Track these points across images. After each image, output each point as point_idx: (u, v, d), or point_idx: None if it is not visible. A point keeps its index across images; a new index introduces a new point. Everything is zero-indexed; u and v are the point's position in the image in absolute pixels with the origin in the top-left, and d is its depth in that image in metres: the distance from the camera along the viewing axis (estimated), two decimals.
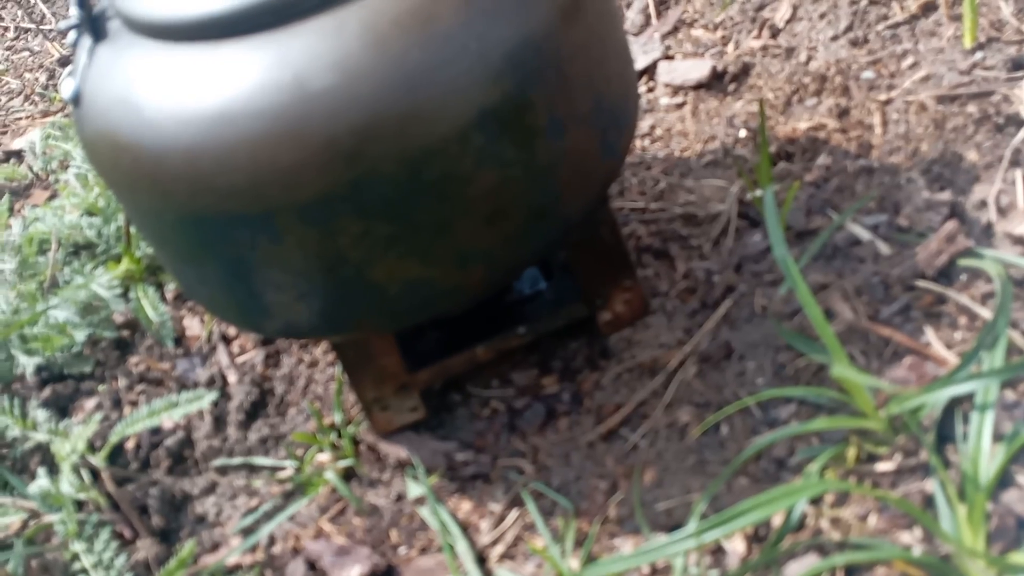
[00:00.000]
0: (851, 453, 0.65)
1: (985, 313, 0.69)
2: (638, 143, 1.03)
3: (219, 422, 0.90)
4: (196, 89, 0.60)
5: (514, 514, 0.76)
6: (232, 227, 0.63)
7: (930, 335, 0.70)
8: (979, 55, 0.88)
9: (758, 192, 0.87)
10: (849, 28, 1.00)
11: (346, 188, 0.60)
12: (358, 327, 0.71)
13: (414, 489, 0.80)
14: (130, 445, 0.89)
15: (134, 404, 0.93)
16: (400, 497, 0.81)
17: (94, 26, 0.66)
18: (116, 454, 0.89)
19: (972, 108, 0.84)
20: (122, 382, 0.95)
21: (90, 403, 0.94)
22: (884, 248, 0.77)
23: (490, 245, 0.67)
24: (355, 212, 0.62)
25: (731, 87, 1.03)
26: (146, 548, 0.82)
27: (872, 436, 0.66)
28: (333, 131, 0.59)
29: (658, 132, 1.03)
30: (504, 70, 0.60)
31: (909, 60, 0.93)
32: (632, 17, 1.19)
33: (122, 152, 0.63)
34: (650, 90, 1.08)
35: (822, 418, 0.68)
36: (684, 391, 0.78)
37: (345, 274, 0.65)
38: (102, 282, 0.92)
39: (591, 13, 0.67)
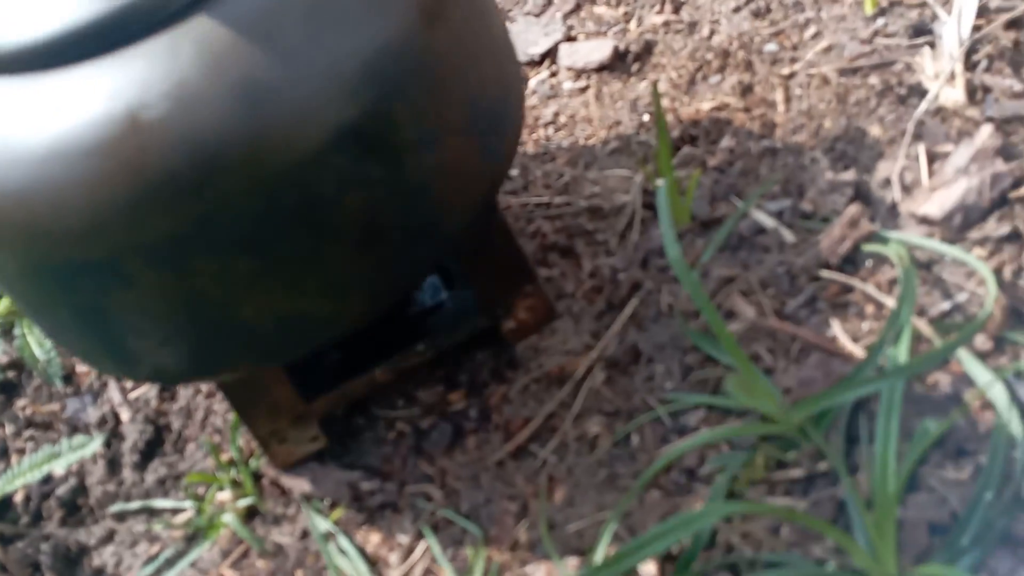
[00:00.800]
0: (760, 461, 0.62)
1: (891, 302, 0.66)
2: (542, 132, 0.98)
3: (113, 465, 0.85)
4: (21, 125, 0.54)
5: (423, 545, 0.72)
6: (78, 274, 0.58)
7: (836, 328, 0.66)
8: (880, 21, 0.84)
9: (660, 181, 0.83)
10: None
11: (194, 225, 0.55)
12: (233, 368, 0.66)
13: (320, 524, 0.75)
14: (18, 498, 0.83)
15: (22, 452, 0.88)
16: (306, 534, 0.76)
17: None
18: (4, 508, 0.83)
19: (874, 79, 0.80)
20: (9, 428, 0.90)
21: None
22: (789, 236, 0.73)
23: (366, 271, 0.62)
24: (209, 249, 0.57)
25: (634, 67, 0.98)
26: None
27: (782, 441, 0.62)
28: (173, 164, 0.53)
29: (562, 119, 0.98)
30: (360, 84, 0.55)
31: (812, 30, 0.89)
32: None
33: None
34: (553, 74, 1.04)
35: (730, 424, 0.65)
36: (593, 400, 0.74)
37: (209, 315, 0.61)
38: None
39: (459, 10, 0.62)
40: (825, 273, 0.69)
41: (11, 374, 0.93)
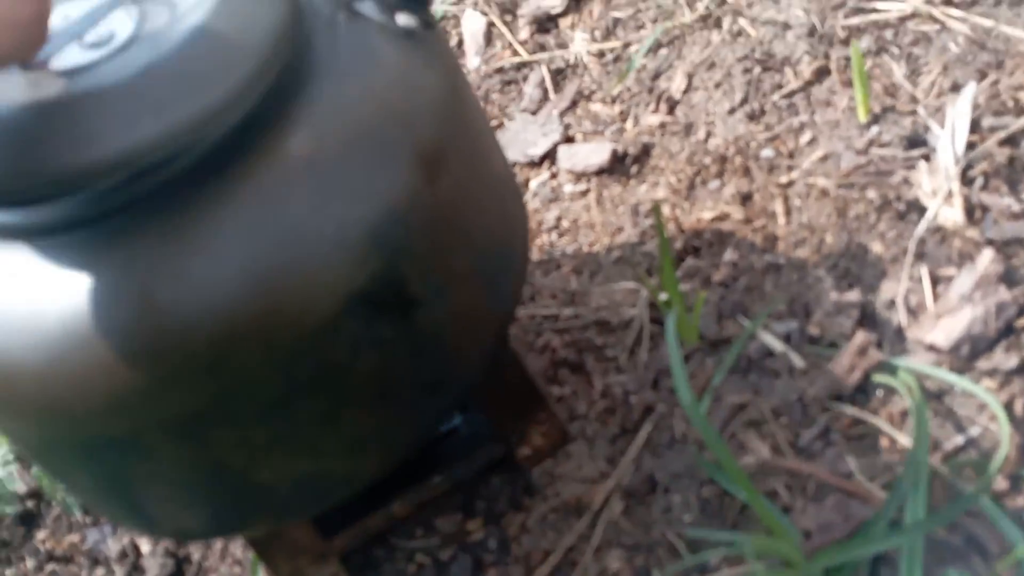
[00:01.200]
0: None
1: (904, 438, 0.67)
2: (546, 238, 1.00)
3: None
4: (38, 301, 0.54)
5: None
6: (97, 447, 0.58)
7: (852, 464, 0.67)
8: (875, 130, 0.85)
9: (663, 296, 0.84)
10: (745, 100, 0.97)
11: (212, 400, 0.55)
12: (254, 527, 0.66)
13: None
14: None
15: None
16: None
17: None
18: None
19: (872, 193, 0.81)
20: (30, 563, 0.90)
21: None
22: (798, 361, 0.74)
23: (382, 427, 0.63)
24: (226, 421, 0.57)
25: (633, 170, 0.99)
26: None
27: None
28: (189, 344, 0.53)
29: (565, 224, 0.99)
30: (369, 251, 0.56)
31: (807, 135, 0.90)
32: (529, 92, 1.15)
33: None
34: (553, 176, 1.05)
35: (752, 567, 0.65)
36: (612, 532, 0.74)
37: (228, 481, 0.61)
38: None
39: (460, 158, 0.63)
40: (837, 405, 0.70)
41: (30, 504, 0.93)
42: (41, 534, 0.93)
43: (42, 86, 0.53)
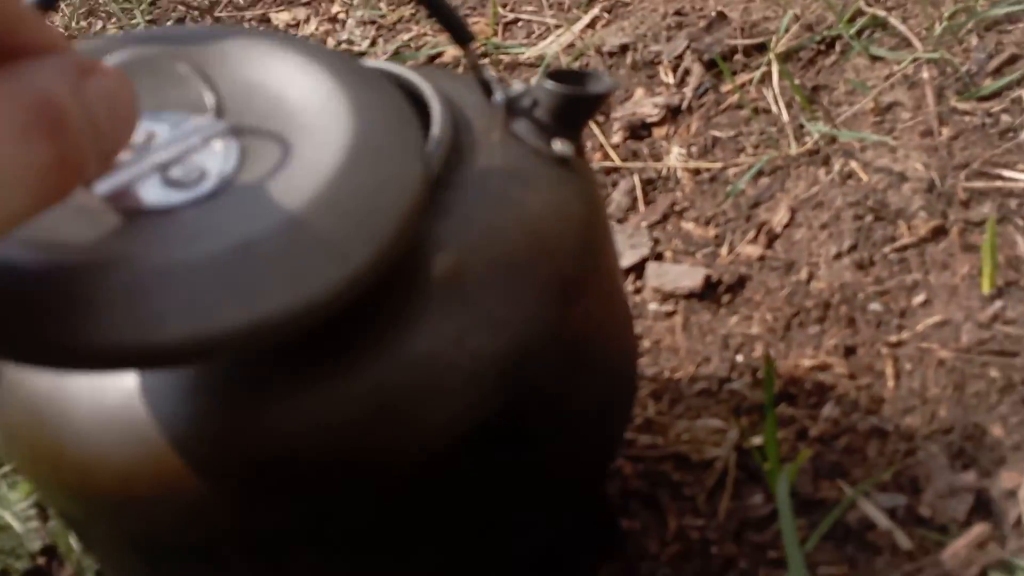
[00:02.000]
0: None
1: None
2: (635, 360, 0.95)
3: None
4: (134, 397, 0.49)
5: None
6: (165, 550, 0.53)
7: None
8: (999, 304, 0.82)
9: (756, 441, 0.79)
10: (854, 247, 0.93)
11: (302, 521, 0.51)
12: None
13: None
14: None
15: None
16: None
17: None
18: None
19: (995, 372, 0.77)
20: None
21: None
22: (904, 541, 0.69)
23: (469, 563, 0.58)
24: (311, 544, 0.52)
25: (725, 298, 0.96)
26: None
27: None
28: (297, 463, 0.49)
29: (646, 344, 0.95)
30: (499, 386, 0.51)
31: (920, 296, 0.86)
32: (618, 199, 1.13)
33: (42, 456, 0.52)
34: (637, 291, 1.01)
35: None
36: None
37: None
38: (16, 509, 0.81)
39: (596, 293, 0.59)
40: None
41: (41, 560, 0.87)
42: None
43: (106, 228, 0.40)
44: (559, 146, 0.58)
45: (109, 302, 0.39)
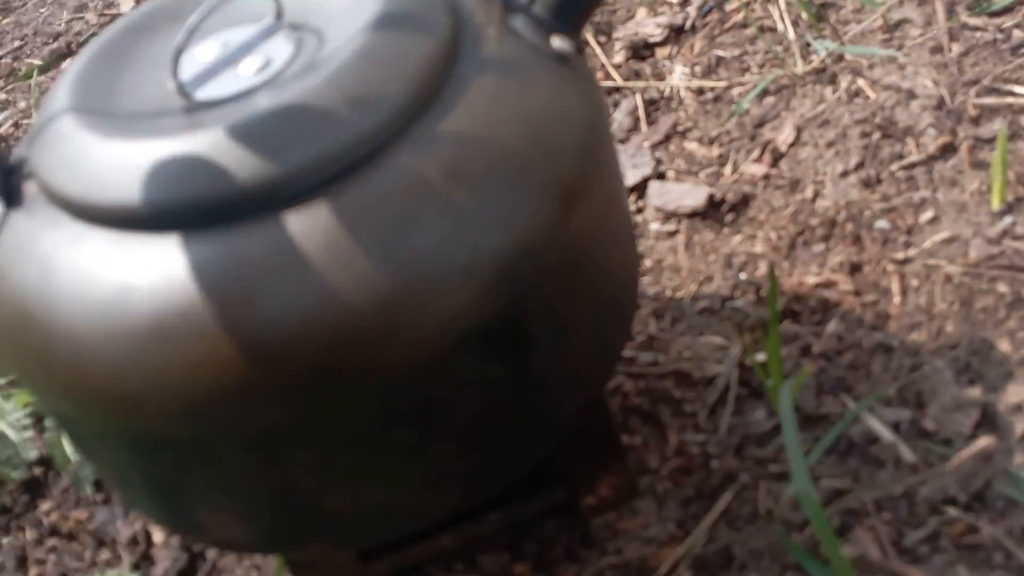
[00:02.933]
0: None
1: (1023, 557, 0.61)
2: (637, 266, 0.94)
3: None
4: (127, 292, 0.48)
5: None
6: (160, 449, 0.52)
7: None
8: (1008, 219, 0.80)
9: (759, 357, 0.78)
10: (860, 164, 0.92)
11: (299, 418, 0.50)
12: (305, 549, 0.60)
13: None
14: None
15: (42, 563, 0.82)
16: None
17: (7, 189, 0.54)
18: None
19: (1003, 287, 0.76)
20: (30, 534, 0.83)
21: None
22: (908, 454, 0.68)
23: (469, 468, 0.57)
24: (308, 442, 0.51)
25: (728, 218, 0.94)
26: None
27: None
28: (290, 357, 0.48)
29: (648, 263, 0.94)
30: (498, 285, 0.50)
31: (928, 213, 0.85)
32: (620, 119, 1.10)
33: (31, 352, 0.51)
34: (639, 211, 0.99)
35: None
36: None
37: (294, 503, 0.55)
38: (11, 419, 0.80)
39: (596, 194, 0.57)
40: (950, 509, 0.64)
41: (38, 471, 0.87)
42: (46, 505, 0.86)
43: (198, 114, 0.51)
44: (558, 43, 0.56)
45: (208, 161, 0.48)
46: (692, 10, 1.19)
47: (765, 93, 1.04)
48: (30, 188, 0.54)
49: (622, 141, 1.08)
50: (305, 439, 0.51)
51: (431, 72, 0.51)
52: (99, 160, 0.50)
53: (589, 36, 1.22)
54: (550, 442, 0.60)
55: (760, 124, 1.02)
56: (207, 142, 0.48)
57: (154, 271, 0.48)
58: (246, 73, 0.53)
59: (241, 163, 0.47)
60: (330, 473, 0.53)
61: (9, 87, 1.49)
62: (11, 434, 0.80)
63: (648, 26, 1.21)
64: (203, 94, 0.52)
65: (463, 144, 0.51)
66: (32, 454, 0.83)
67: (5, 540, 0.83)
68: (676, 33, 1.19)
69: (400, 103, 0.50)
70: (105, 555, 0.81)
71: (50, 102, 0.55)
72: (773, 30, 1.11)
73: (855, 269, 0.83)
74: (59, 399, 0.52)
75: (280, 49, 0.53)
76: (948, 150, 0.90)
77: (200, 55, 0.54)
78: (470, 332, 0.50)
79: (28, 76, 1.47)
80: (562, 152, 0.54)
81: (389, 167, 0.48)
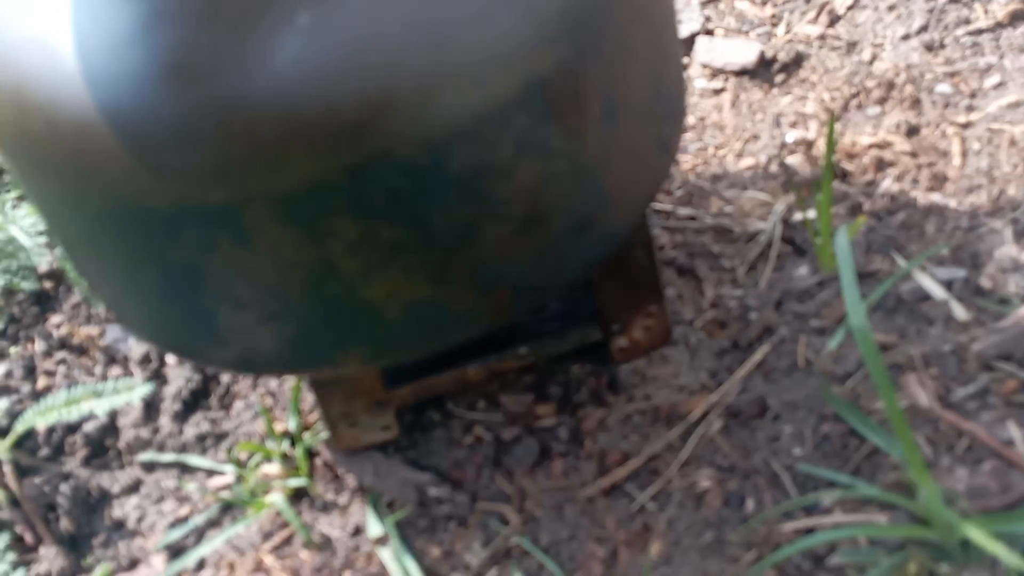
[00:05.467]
0: (912, 569, 0.55)
1: None
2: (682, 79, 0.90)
3: (151, 409, 0.77)
4: (144, 27, 0.43)
5: (493, 573, 0.64)
6: (182, 222, 0.48)
7: (1014, 432, 0.59)
8: None
9: (809, 213, 0.75)
10: (924, 28, 0.87)
11: (345, 176, 0.46)
12: (339, 362, 0.55)
13: (375, 525, 0.68)
14: (42, 427, 0.75)
15: (50, 375, 0.79)
16: (358, 530, 0.69)
17: None
18: (24, 436, 0.75)
19: None
20: (39, 345, 0.81)
21: None
22: (960, 312, 0.65)
23: (520, 262, 0.53)
24: (353, 209, 0.47)
25: (779, 78, 0.90)
26: (49, 559, 0.69)
27: (934, 550, 0.55)
28: (334, 99, 0.44)
29: (691, 120, 0.90)
30: (559, 31, 0.46)
31: (994, 78, 0.80)
32: None
33: (29, 112, 0.46)
34: (684, 67, 0.95)
35: (878, 520, 0.58)
36: (705, 449, 0.66)
37: (331, 291, 0.51)
38: (24, 224, 0.77)
39: None
40: (1003, 365, 0.62)
41: (48, 285, 0.84)
42: (56, 319, 0.83)
43: None
44: None
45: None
46: None
47: None
48: None
49: None
50: (347, 204, 0.47)
51: None
52: None
53: None
54: (600, 249, 0.56)
55: None
56: None
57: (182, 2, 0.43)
58: None
59: None
60: (372, 252, 0.49)
61: None
62: (23, 239, 0.77)
63: None
64: None
65: None
66: (43, 264, 0.80)
67: (13, 349, 0.81)
68: None
69: None
70: (116, 371, 0.79)
71: None
72: None
73: (913, 131, 0.79)
74: (63, 170, 0.48)
75: None
76: (1018, 18, 0.85)
77: None
78: (532, 83, 0.46)
79: None
80: None
81: None
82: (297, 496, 0.71)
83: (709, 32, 0.97)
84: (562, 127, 0.49)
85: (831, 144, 0.69)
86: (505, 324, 0.55)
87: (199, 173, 0.45)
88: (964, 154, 0.76)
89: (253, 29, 0.42)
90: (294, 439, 0.72)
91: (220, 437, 0.75)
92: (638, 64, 0.53)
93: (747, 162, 0.84)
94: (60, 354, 0.81)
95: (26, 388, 0.78)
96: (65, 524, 0.71)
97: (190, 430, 0.75)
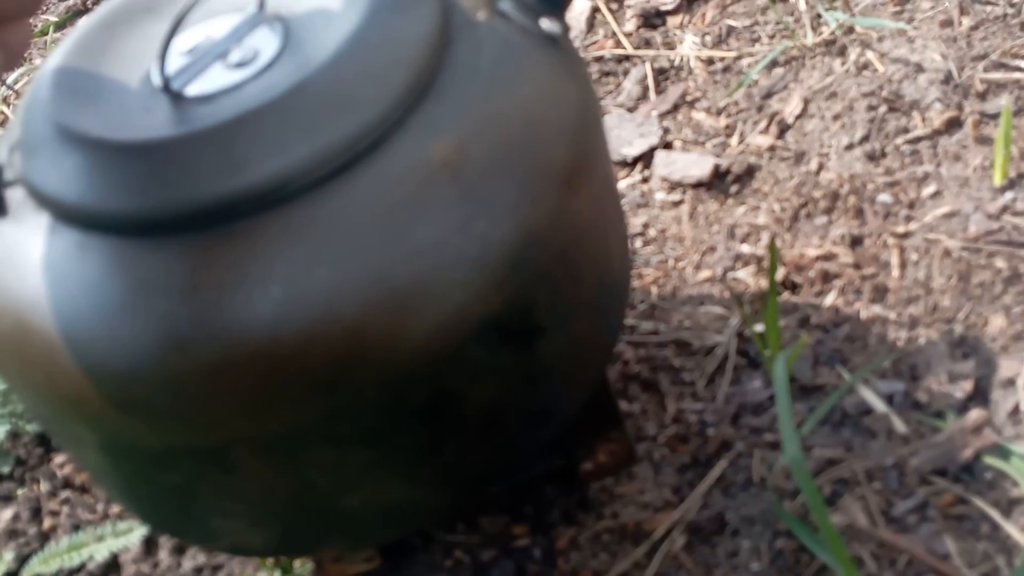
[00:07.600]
0: None
1: (1010, 529, 0.62)
2: (630, 244, 0.95)
3: (150, 544, 0.81)
4: (133, 301, 0.47)
5: None
6: (173, 457, 0.53)
7: (950, 546, 0.63)
8: (1009, 195, 0.81)
9: (758, 327, 0.79)
10: (866, 138, 0.92)
11: (320, 419, 0.50)
12: (320, 551, 0.61)
13: None
14: (47, 573, 0.79)
15: (55, 515, 0.84)
16: None
17: None
18: None
19: (1001, 263, 0.76)
20: (44, 486, 0.86)
21: (7, 512, 0.84)
22: (900, 425, 0.69)
23: (481, 459, 0.58)
24: (326, 442, 0.52)
25: (733, 189, 0.95)
26: None
27: None
28: (306, 359, 0.48)
29: (652, 232, 0.95)
30: (508, 274, 0.50)
31: (931, 187, 0.85)
32: (629, 88, 1.11)
33: (30, 364, 0.50)
34: (645, 180, 1.00)
35: None
36: (670, 566, 0.70)
37: (310, 504, 0.56)
38: None
39: (593, 177, 0.57)
40: (939, 480, 0.66)
41: None
42: (60, 458, 0.88)
43: (187, 110, 0.49)
44: (547, 24, 0.56)
45: (201, 159, 0.47)
46: None
47: (774, 64, 1.05)
48: (16, 195, 0.52)
49: (630, 109, 1.09)
50: (322, 439, 0.51)
51: (426, 57, 0.50)
52: (93, 164, 0.48)
53: (600, 3, 1.22)
54: (560, 427, 0.61)
55: (768, 95, 1.03)
56: (206, 140, 0.47)
57: (162, 276, 0.47)
58: (234, 66, 0.51)
59: (242, 160, 0.46)
60: (346, 473, 0.54)
61: None
62: None
63: None
64: (193, 90, 0.50)
65: (465, 130, 0.50)
66: None
67: (20, 492, 0.86)
68: (688, 2, 1.19)
69: (399, 91, 0.49)
70: (117, 509, 0.84)
71: (28, 104, 0.52)
72: (785, 0, 1.11)
73: (856, 242, 0.84)
74: (65, 412, 0.52)
75: (266, 41, 0.51)
76: (953, 124, 0.90)
77: (182, 48, 0.52)
78: (483, 322, 0.50)
79: (44, 32, 1.48)
80: (560, 135, 0.54)
81: (393, 157, 0.48)
82: None
83: (668, 145, 1.02)
84: (512, 349, 0.54)
85: (773, 266, 0.74)
86: (473, 506, 0.60)
87: (188, 425, 0.50)
88: (903, 265, 0.80)
89: (231, 301, 0.46)
90: (285, 570, 0.76)
91: (216, 569, 0.79)
92: (583, 271, 0.57)
93: (704, 274, 0.89)
94: (64, 493, 0.85)
95: (32, 530, 0.83)
96: None
97: (187, 563, 0.80)
